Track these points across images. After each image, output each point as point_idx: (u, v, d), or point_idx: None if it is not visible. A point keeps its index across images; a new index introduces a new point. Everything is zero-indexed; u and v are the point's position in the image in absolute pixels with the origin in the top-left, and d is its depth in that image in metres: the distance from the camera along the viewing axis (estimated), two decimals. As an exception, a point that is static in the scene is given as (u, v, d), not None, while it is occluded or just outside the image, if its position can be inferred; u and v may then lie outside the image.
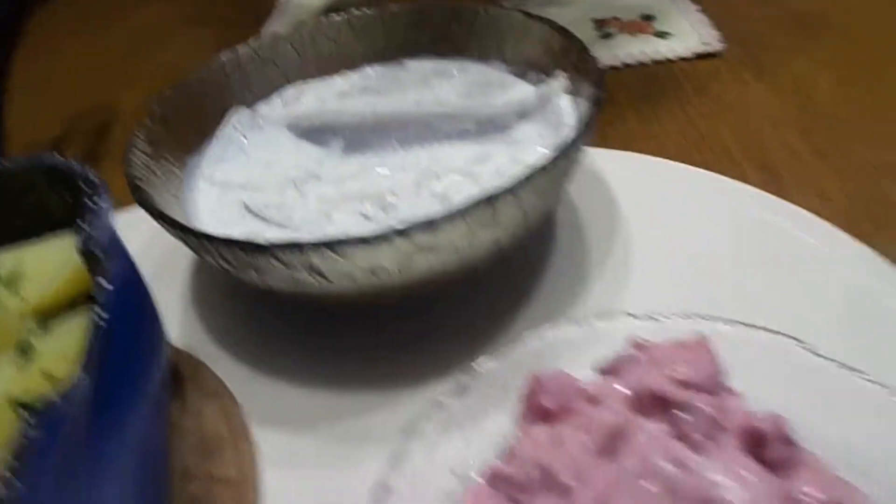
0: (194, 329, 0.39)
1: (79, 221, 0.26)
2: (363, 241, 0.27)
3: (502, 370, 0.28)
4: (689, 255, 0.38)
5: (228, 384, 0.35)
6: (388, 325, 0.37)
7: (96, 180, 0.28)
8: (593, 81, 0.35)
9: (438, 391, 0.28)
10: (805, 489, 0.24)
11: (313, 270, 0.29)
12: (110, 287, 0.22)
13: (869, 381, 0.25)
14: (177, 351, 0.36)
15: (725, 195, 0.41)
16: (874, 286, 0.34)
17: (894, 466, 0.24)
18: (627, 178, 0.43)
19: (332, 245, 0.27)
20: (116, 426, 0.25)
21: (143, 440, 0.28)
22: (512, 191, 0.28)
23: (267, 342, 0.37)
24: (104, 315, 0.21)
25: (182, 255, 0.43)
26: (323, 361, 0.35)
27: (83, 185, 0.28)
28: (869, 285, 0.35)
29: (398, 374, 0.34)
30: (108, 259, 0.24)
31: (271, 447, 0.32)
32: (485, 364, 0.28)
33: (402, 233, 0.27)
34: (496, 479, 0.26)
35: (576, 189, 0.42)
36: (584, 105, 0.35)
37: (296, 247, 0.27)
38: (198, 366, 0.35)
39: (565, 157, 0.30)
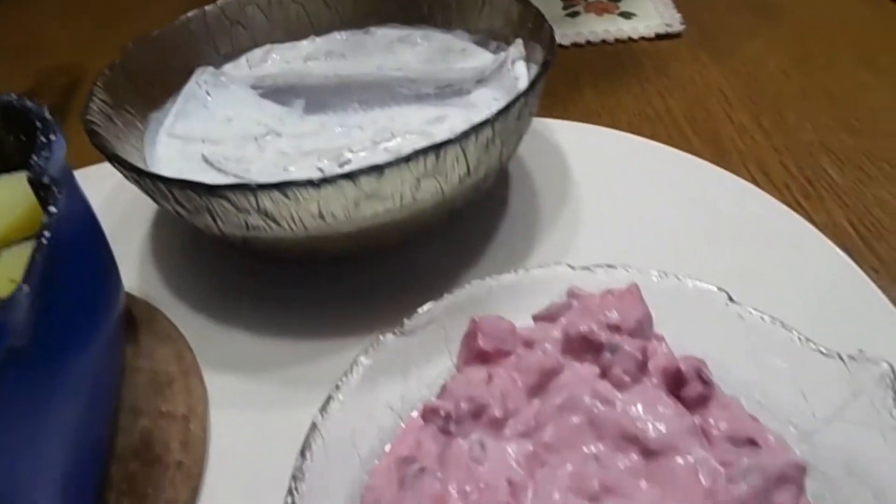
0: (152, 279, 0.39)
1: (32, 156, 0.27)
2: (311, 183, 0.28)
3: (442, 313, 0.30)
4: (635, 217, 0.40)
5: (183, 331, 0.36)
6: (338, 278, 0.38)
7: (50, 118, 0.28)
8: (545, 47, 0.36)
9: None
10: (716, 424, 0.26)
11: (263, 213, 0.30)
12: (56, 210, 0.23)
13: (784, 328, 0.27)
14: (133, 298, 0.37)
15: (673, 165, 0.43)
16: (802, 249, 0.36)
17: (802, 408, 0.26)
18: (580, 147, 0.45)
19: (282, 187, 0.28)
20: (65, 361, 0.26)
21: (92, 378, 0.29)
22: (455, 141, 0.29)
23: (221, 293, 0.38)
24: (48, 234, 0.22)
25: (143, 210, 0.44)
26: (274, 311, 0.36)
27: (38, 123, 0.28)
28: (798, 249, 0.37)
29: (347, 323, 0.35)
30: (58, 188, 0.25)
31: (220, 389, 0.33)
32: (426, 307, 0.29)
33: (348, 176, 0.28)
34: (428, 413, 0.27)
35: (529, 155, 0.44)
36: (536, 68, 0.36)
37: (247, 188, 0.28)
38: (153, 312, 0.36)
39: (509, 112, 0.31)
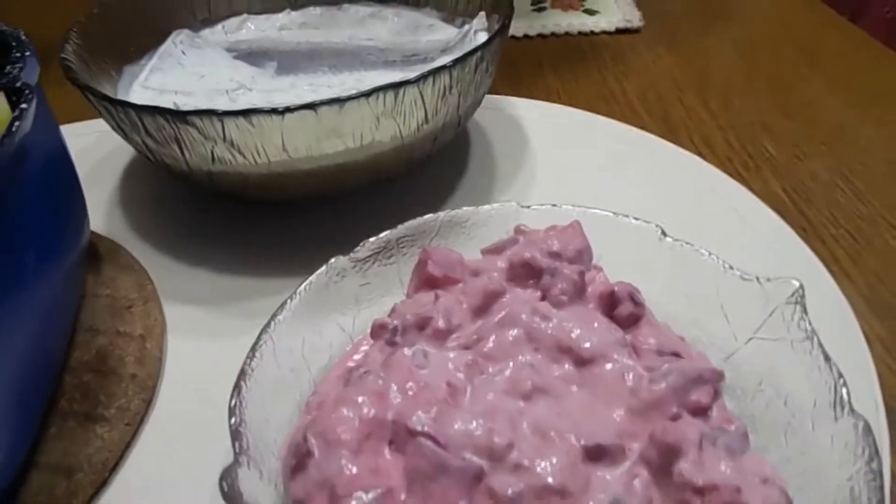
0: (120, 223, 0.40)
1: (7, 67, 0.28)
2: (275, 111, 0.30)
3: (395, 244, 0.31)
4: (586, 183, 0.42)
5: (146, 267, 0.37)
6: (300, 221, 0.39)
7: (26, 39, 0.30)
8: (504, 13, 0.39)
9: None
10: (645, 340, 0.27)
11: (229, 143, 0.31)
12: (26, 106, 0.24)
13: (710, 257, 0.29)
14: (99, 236, 0.38)
15: (624, 138, 0.45)
16: (739, 211, 0.39)
17: (725, 331, 0.28)
18: (539, 121, 0.47)
19: (247, 114, 0.30)
20: (24, 277, 0.27)
21: (50, 300, 0.30)
22: (413, 82, 0.31)
23: (186, 235, 0.39)
24: (17, 124, 0.23)
25: (115, 162, 0.45)
26: (236, 251, 0.38)
27: (13, 43, 0.29)
28: (735, 211, 0.39)
29: (306, 263, 0.36)
30: (30, 92, 0.26)
31: (178, 317, 0.34)
32: (380, 236, 0.31)
33: (310, 106, 0.30)
34: (377, 329, 0.28)
35: (490, 125, 0.46)
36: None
37: (213, 114, 0.30)
38: (117, 248, 0.37)
39: (465, 61, 0.33)
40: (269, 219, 0.40)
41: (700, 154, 0.44)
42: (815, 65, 0.53)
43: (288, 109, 0.30)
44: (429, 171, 0.42)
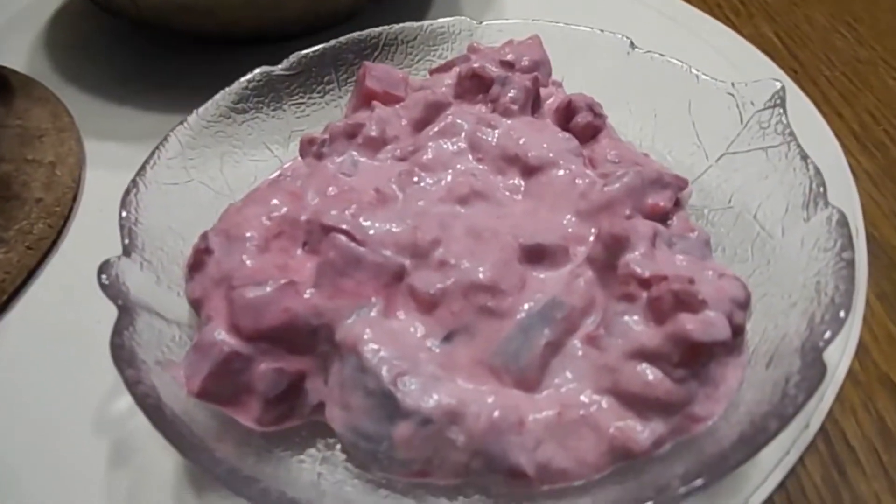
0: (45, 64, 0.37)
1: None
2: None
3: (330, 59, 0.28)
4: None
5: (70, 108, 0.33)
6: (234, 66, 0.35)
7: None
8: None
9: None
10: (604, 153, 0.24)
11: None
12: None
13: (682, 65, 0.26)
14: (13, 72, 0.34)
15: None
16: (725, 52, 0.35)
17: (695, 151, 0.25)
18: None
19: None
20: None
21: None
22: None
23: (113, 75, 0.35)
24: None
25: (46, 6, 0.41)
26: (165, 92, 0.34)
27: None
28: (720, 52, 0.35)
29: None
30: None
31: (100, 154, 0.31)
32: (313, 49, 0.27)
33: None
34: (305, 144, 0.25)
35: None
36: None
37: None
38: (31, 82, 0.33)
39: None
40: (203, 61, 0.36)
41: (687, 1, 0.39)
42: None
43: None
44: (383, 16, 0.38)
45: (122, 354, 0.16)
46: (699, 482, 0.14)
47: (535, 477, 0.17)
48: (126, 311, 0.18)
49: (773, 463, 0.20)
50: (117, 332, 0.17)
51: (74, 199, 0.28)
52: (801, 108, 0.32)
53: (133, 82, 0.35)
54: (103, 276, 0.18)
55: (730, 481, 0.19)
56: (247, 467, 0.16)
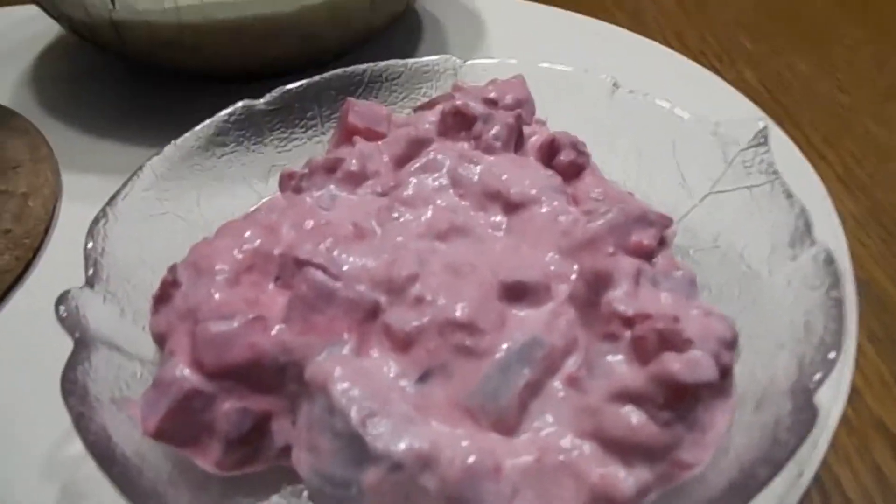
0: (28, 97, 0.37)
1: None
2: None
3: (313, 94, 0.28)
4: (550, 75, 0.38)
5: (51, 140, 0.33)
6: (220, 100, 0.35)
7: None
8: None
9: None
10: (588, 191, 0.24)
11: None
12: None
13: (666, 104, 0.26)
14: (-4, 105, 0.34)
15: (593, 32, 0.41)
16: (711, 99, 0.35)
17: (680, 192, 0.25)
18: (501, 15, 0.43)
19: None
20: None
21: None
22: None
23: (96, 109, 0.35)
24: None
25: (33, 43, 0.41)
26: (148, 126, 0.34)
27: None
28: (706, 98, 0.35)
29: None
30: None
31: (77, 186, 0.30)
32: (296, 84, 0.27)
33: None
34: (285, 178, 0.25)
35: (442, 13, 0.43)
36: None
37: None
38: (13, 114, 0.33)
39: None
40: (188, 97, 0.36)
41: (672, 48, 0.40)
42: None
43: (189, -71, 0.26)
44: (370, 56, 0.38)
45: (74, 390, 0.15)
46: (686, 534, 0.13)
47: (513, 528, 0.16)
48: (83, 345, 0.17)
49: (765, 515, 0.19)
50: (70, 366, 0.16)
51: (46, 231, 0.27)
52: (786, 151, 0.32)
53: (117, 117, 0.35)
54: (61, 308, 0.17)
55: (720, 534, 0.18)
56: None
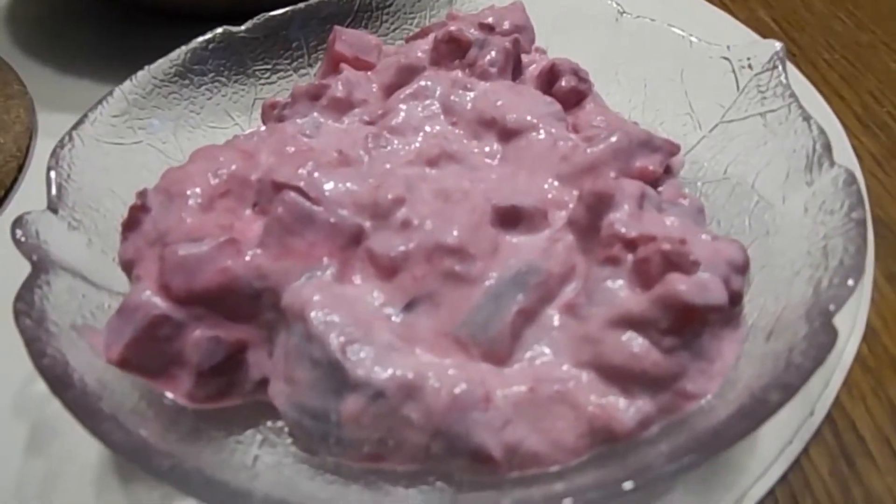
0: (3, 36, 0.35)
1: None
2: None
3: (298, 22, 0.26)
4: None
5: (28, 81, 0.31)
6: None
7: None
8: None
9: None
10: (589, 120, 0.23)
11: None
12: None
13: (674, 29, 0.24)
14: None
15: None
16: (720, 34, 0.33)
17: (688, 123, 0.23)
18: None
19: None
20: None
21: None
22: None
23: (74, 50, 0.34)
24: None
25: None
26: (126, 66, 0.32)
27: None
28: (715, 34, 0.33)
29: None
30: None
31: (53, 124, 0.29)
32: (280, 11, 0.26)
33: None
34: (267, 108, 0.23)
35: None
36: None
37: None
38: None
39: None
40: (171, 36, 0.33)
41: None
42: None
43: None
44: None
45: (28, 311, 0.14)
46: (688, 460, 0.12)
47: (503, 461, 0.15)
48: (41, 268, 0.16)
49: (774, 453, 0.17)
50: (26, 287, 0.15)
51: (20, 169, 0.26)
52: (802, 89, 0.30)
53: (96, 57, 0.33)
54: (18, 232, 0.16)
55: (726, 472, 0.17)
56: (166, 444, 0.14)
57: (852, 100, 0.30)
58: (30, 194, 0.26)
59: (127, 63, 0.33)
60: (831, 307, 0.14)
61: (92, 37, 0.35)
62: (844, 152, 0.27)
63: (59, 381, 0.13)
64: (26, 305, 0.14)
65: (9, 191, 0.25)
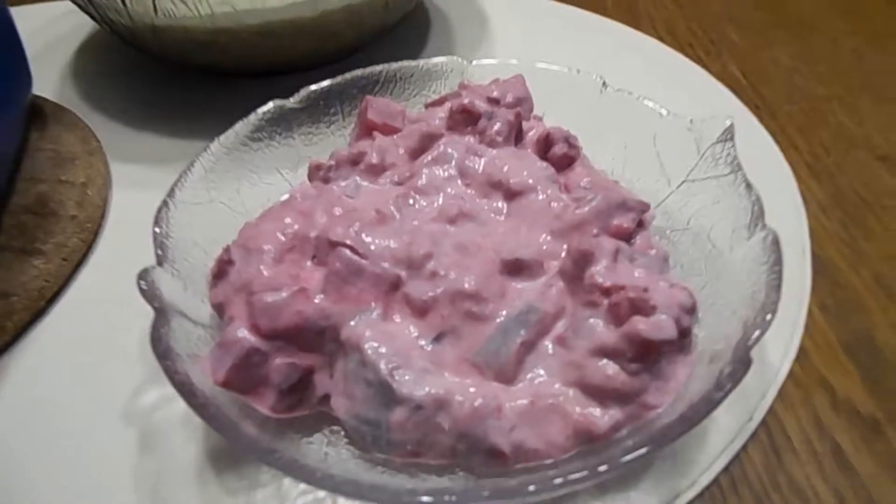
0: (72, 92, 0.40)
1: None
2: (212, -51, 0.29)
3: (336, 93, 0.31)
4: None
5: (95, 132, 0.36)
6: (249, 93, 0.38)
7: None
8: None
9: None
10: (578, 180, 0.28)
11: (169, -12, 0.31)
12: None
13: (649, 103, 0.29)
14: (46, 100, 0.37)
15: (586, 24, 0.44)
16: (694, 89, 0.39)
17: (659, 179, 0.28)
18: (504, 8, 0.46)
19: (183, -49, 0.29)
20: None
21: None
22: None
23: (135, 102, 0.39)
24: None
25: (73, 37, 0.45)
26: (182, 118, 0.37)
27: None
28: (689, 89, 0.39)
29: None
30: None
31: (123, 175, 0.34)
32: (321, 84, 0.31)
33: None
34: (313, 169, 0.29)
35: (450, 8, 0.46)
36: None
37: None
38: (64, 110, 0.36)
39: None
40: (219, 91, 0.39)
41: (661, 40, 0.43)
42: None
43: (225, -53, 0.29)
44: (384, 50, 0.42)
45: (160, 347, 0.19)
46: (644, 451, 0.17)
47: (511, 456, 0.20)
48: (161, 313, 0.21)
49: (719, 449, 0.22)
50: (156, 328, 0.20)
51: (103, 216, 0.31)
52: (761, 139, 0.35)
53: (155, 110, 0.39)
54: (142, 282, 0.21)
55: (682, 464, 0.22)
56: (265, 442, 0.19)
57: (805, 150, 0.35)
58: (112, 239, 0.31)
59: (181, 116, 0.39)
60: (749, 342, 0.19)
61: (147, 91, 0.40)
62: (793, 199, 0.32)
63: (193, 398, 0.18)
64: (158, 342, 0.19)
65: (96, 234, 0.30)
